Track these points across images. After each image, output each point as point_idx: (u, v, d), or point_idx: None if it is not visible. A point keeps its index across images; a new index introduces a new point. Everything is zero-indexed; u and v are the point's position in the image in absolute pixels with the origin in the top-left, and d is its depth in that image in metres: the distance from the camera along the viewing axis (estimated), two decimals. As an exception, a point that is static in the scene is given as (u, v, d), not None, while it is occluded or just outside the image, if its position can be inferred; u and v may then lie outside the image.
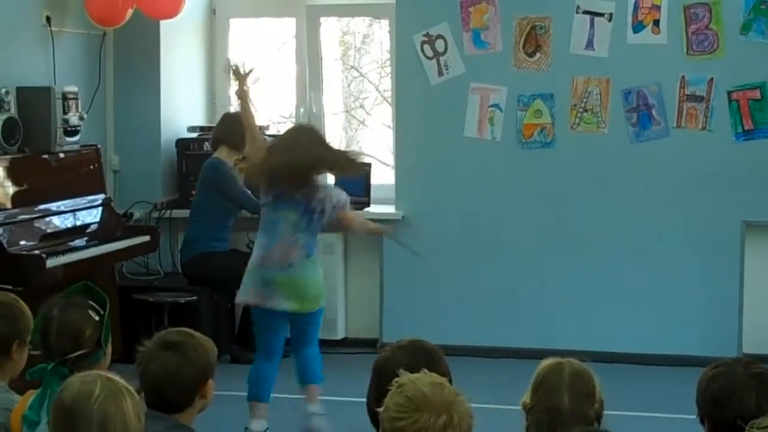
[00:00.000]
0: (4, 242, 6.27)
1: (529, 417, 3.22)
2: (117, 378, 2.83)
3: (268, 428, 6.13)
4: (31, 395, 3.46)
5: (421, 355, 3.29)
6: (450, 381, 3.24)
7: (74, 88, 7.20)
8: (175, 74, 8.37)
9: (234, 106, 8.76)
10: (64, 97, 7.04)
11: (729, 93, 7.50)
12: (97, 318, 3.48)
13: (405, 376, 2.80)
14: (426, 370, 2.90)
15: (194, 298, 7.49)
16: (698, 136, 7.56)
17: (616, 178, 7.67)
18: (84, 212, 7.12)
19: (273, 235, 5.92)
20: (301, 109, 8.62)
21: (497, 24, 7.77)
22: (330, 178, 6.91)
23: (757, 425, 3.02)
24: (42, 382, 3.42)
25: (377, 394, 3.27)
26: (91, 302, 3.52)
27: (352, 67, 9.42)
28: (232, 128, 7.69)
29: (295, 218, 5.87)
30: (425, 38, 7.86)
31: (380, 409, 2.75)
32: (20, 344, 3.75)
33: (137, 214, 8.06)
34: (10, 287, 4.00)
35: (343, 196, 6.00)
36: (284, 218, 5.87)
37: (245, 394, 6.39)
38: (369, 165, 8.26)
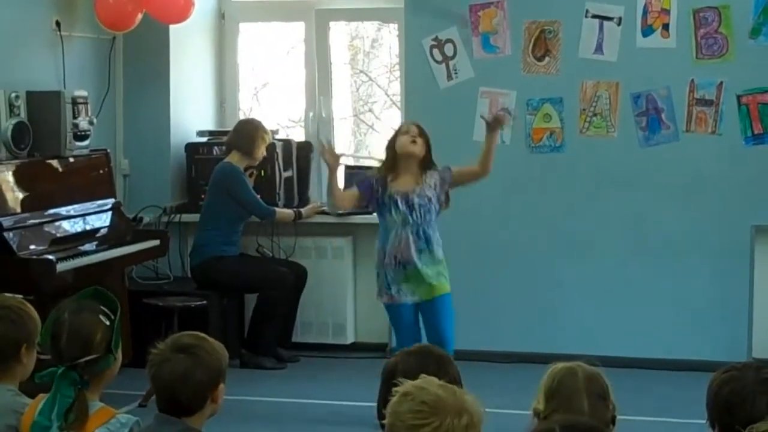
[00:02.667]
0: (15, 246, 6.28)
1: (545, 423, 3.21)
2: None
3: None
4: (41, 399, 3.46)
5: (430, 361, 3.29)
6: (460, 386, 3.24)
7: (84, 93, 7.21)
8: (185, 78, 8.38)
9: (244, 111, 8.79)
10: (74, 102, 7.05)
11: (738, 97, 7.49)
12: (107, 323, 3.48)
13: (407, 384, 2.80)
14: (425, 375, 2.89)
15: (204, 302, 7.48)
16: (708, 140, 7.56)
17: (625, 183, 7.66)
18: (94, 216, 7.12)
19: (386, 238, 6.21)
20: (311, 114, 8.63)
21: (506, 28, 7.77)
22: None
23: (757, 429, 3.01)
24: (52, 386, 3.42)
25: (387, 399, 3.27)
26: (102, 307, 3.52)
27: (361, 71, 9.43)
28: (245, 134, 7.73)
29: (401, 217, 6.14)
30: (434, 42, 7.86)
31: (387, 420, 2.74)
32: (29, 348, 3.75)
33: (147, 219, 8.07)
34: (21, 295, 3.98)
35: (445, 173, 6.31)
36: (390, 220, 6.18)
37: (255, 398, 6.41)
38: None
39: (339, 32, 8.99)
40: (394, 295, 6.15)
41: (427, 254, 6.13)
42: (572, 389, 3.22)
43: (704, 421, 3.31)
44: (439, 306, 6.12)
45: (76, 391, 3.37)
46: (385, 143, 6.37)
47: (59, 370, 3.39)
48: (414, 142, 6.19)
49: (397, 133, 6.30)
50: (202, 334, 3.40)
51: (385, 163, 6.29)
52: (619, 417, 3.28)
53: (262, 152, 7.74)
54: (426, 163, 6.24)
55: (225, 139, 7.93)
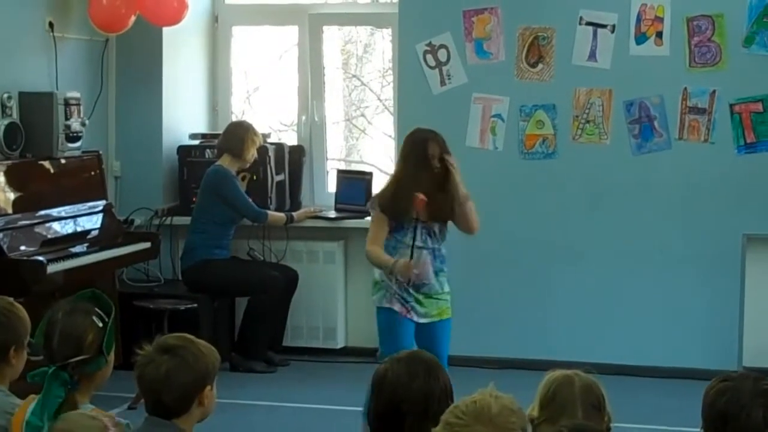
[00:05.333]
0: (5, 247, 6.27)
1: (553, 427, 3.20)
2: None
3: None
4: (33, 400, 3.45)
5: (419, 366, 3.27)
6: (450, 392, 3.24)
7: (76, 94, 7.21)
8: (178, 81, 8.37)
9: (236, 115, 8.78)
10: (66, 103, 7.04)
11: (731, 106, 7.50)
12: (100, 324, 3.48)
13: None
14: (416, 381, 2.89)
15: (194, 305, 7.48)
16: (700, 149, 7.56)
17: (617, 190, 7.67)
18: (85, 218, 7.12)
19: (397, 253, 5.79)
20: (303, 118, 8.62)
21: (500, 34, 7.78)
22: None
23: None
24: (43, 385, 3.41)
25: (376, 405, 3.26)
26: (97, 309, 3.51)
27: (354, 75, 9.43)
28: (235, 137, 7.72)
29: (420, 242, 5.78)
30: (428, 47, 7.86)
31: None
32: (18, 349, 3.74)
33: (138, 221, 8.06)
34: (11, 297, 3.97)
35: None
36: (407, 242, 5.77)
37: (245, 402, 6.39)
38: (370, 174, 8.28)
39: (332, 37, 8.99)
40: (407, 309, 5.74)
41: (442, 276, 5.83)
42: (567, 398, 3.22)
43: (695, 429, 3.31)
44: (441, 328, 5.82)
45: (66, 391, 3.36)
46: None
47: (50, 370, 3.38)
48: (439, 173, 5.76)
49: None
50: (190, 336, 3.38)
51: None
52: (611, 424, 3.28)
53: (252, 154, 7.72)
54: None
55: (216, 142, 7.93)
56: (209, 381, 3.32)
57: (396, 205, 5.70)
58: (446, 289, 5.84)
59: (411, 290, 5.72)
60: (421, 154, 5.73)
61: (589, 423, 3.08)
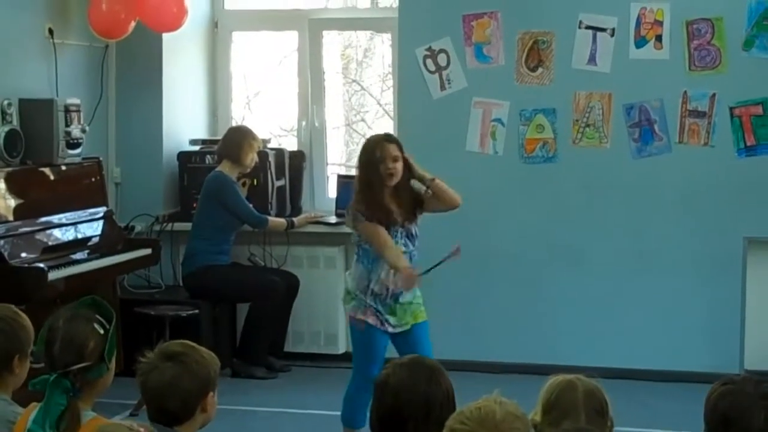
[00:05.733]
0: (6, 254, 6.26)
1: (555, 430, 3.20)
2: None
3: None
4: (34, 408, 3.45)
5: (421, 372, 3.27)
6: (452, 397, 3.24)
7: (76, 101, 7.20)
8: (178, 87, 8.37)
9: (236, 120, 8.78)
10: (67, 110, 7.04)
11: (731, 109, 7.50)
12: (101, 332, 3.48)
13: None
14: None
15: (195, 311, 7.47)
16: (700, 152, 7.56)
17: (618, 194, 7.67)
18: (85, 225, 7.11)
19: (375, 264, 5.72)
20: (303, 123, 8.62)
21: (500, 38, 7.78)
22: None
23: None
24: (45, 393, 3.41)
25: (378, 410, 3.26)
26: (98, 316, 3.51)
27: (354, 80, 9.43)
28: (233, 142, 7.73)
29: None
30: (427, 52, 7.87)
31: None
32: (21, 358, 3.74)
33: (139, 227, 8.06)
34: (14, 305, 3.97)
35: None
36: None
37: (246, 408, 6.38)
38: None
39: (332, 41, 9.00)
40: (381, 321, 5.69)
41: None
42: (570, 403, 3.22)
43: (696, 433, 3.31)
44: (419, 331, 5.77)
45: (68, 398, 3.36)
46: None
47: (52, 377, 3.38)
48: (393, 173, 5.66)
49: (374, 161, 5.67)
50: (192, 343, 3.40)
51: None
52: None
53: (251, 159, 7.71)
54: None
55: (216, 147, 7.93)
56: (212, 388, 3.33)
57: (375, 212, 5.63)
58: (418, 294, 5.77)
59: (387, 300, 5.66)
60: (372, 158, 5.66)
61: (591, 427, 3.08)
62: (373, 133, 5.98)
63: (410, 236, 5.73)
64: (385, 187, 5.64)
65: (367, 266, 5.67)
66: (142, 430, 2.91)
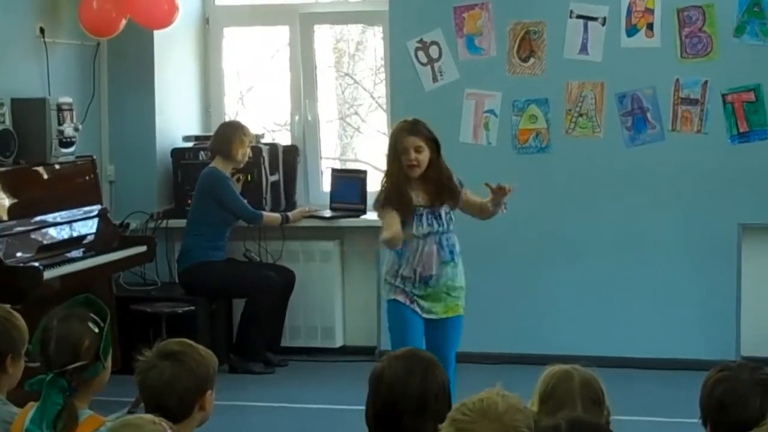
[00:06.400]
0: (1, 254, 6.26)
1: (551, 420, 3.21)
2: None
3: None
4: (31, 408, 3.45)
5: (417, 364, 3.27)
6: (448, 390, 3.24)
7: (69, 99, 7.19)
8: (170, 84, 8.37)
9: (229, 116, 8.77)
10: (59, 108, 7.03)
11: (723, 96, 7.51)
12: (96, 330, 3.48)
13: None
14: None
15: (192, 308, 7.47)
16: (693, 139, 7.57)
17: (612, 182, 7.67)
18: (80, 223, 7.11)
19: (403, 249, 5.72)
20: (296, 117, 8.62)
21: (491, 29, 7.78)
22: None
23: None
24: (42, 393, 3.41)
25: (374, 403, 3.27)
26: (92, 314, 3.52)
27: (347, 74, 9.42)
28: (223, 137, 7.73)
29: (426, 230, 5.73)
30: (419, 44, 7.86)
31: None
32: (14, 357, 3.74)
33: (134, 225, 8.05)
34: (8, 305, 3.97)
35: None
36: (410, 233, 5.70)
37: (244, 403, 6.38)
38: (365, 172, 8.28)
39: (323, 35, 8.99)
40: (411, 300, 5.66)
41: (451, 267, 5.74)
42: (567, 393, 3.23)
43: (693, 420, 3.32)
44: (449, 327, 5.73)
45: (64, 398, 3.36)
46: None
47: (48, 377, 3.38)
48: (414, 165, 5.66)
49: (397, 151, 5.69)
50: (189, 341, 3.41)
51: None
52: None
53: (242, 153, 7.69)
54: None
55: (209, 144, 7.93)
56: (210, 386, 3.35)
57: (393, 199, 5.64)
58: (458, 283, 5.75)
59: (417, 284, 5.65)
60: (393, 149, 5.70)
61: (586, 416, 3.08)
62: (402, 119, 5.85)
63: (438, 217, 5.69)
64: (407, 177, 5.65)
65: (397, 251, 5.67)
66: (165, 423, 2.91)
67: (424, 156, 5.66)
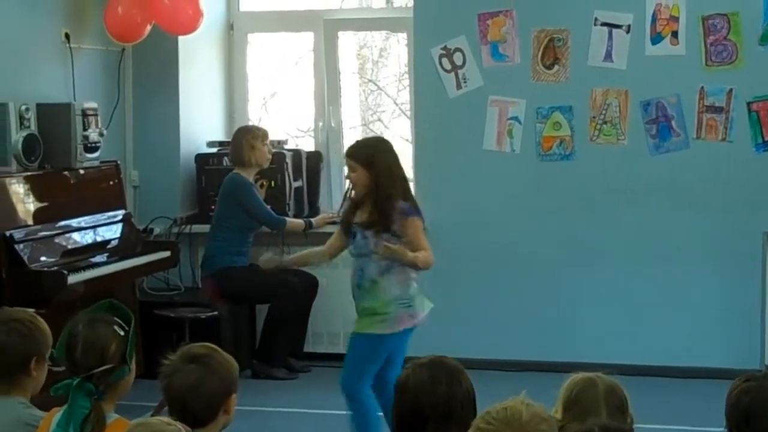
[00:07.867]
0: (26, 258, 6.28)
1: (584, 425, 3.19)
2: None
3: None
4: (56, 412, 3.46)
5: (442, 372, 3.27)
6: (473, 397, 3.24)
7: (94, 105, 7.22)
8: (194, 89, 8.39)
9: (253, 122, 8.79)
10: (84, 114, 7.05)
11: (748, 104, 7.49)
12: (122, 333, 3.49)
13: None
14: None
15: (215, 313, 7.49)
16: (718, 148, 7.55)
17: (636, 190, 7.65)
18: (104, 228, 7.13)
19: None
20: (320, 123, 8.63)
21: (515, 37, 7.78)
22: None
23: None
24: (67, 398, 3.42)
25: (399, 411, 3.26)
26: (116, 318, 3.53)
27: (370, 80, 9.44)
28: (234, 145, 7.74)
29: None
30: (443, 51, 7.87)
31: None
32: (39, 361, 3.75)
33: (157, 230, 8.08)
34: (32, 309, 3.99)
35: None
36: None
37: (267, 409, 6.38)
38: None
39: (347, 42, 9.01)
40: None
41: (361, 291, 5.70)
42: (592, 400, 3.22)
43: (716, 429, 3.31)
44: (350, 342, 5.86)
45: (92, 402, 3.37)
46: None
47: (75, 382, 3.39)
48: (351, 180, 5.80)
49: None
50: (213, 345, 3.41)
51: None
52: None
53: (255, 157, 7.66)
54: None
55: (232, 149, 7.95)
56: (235, 389, 3.35)
57: (344, 216, 5.91)
58: (366, 303, 5.69)
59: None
60: None
61: (615, 423, 3.08)
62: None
63: (365, 238, 5.61)
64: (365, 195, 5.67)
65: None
66: (180, 425, 2.91)
67: (358, 176, 5.65)
